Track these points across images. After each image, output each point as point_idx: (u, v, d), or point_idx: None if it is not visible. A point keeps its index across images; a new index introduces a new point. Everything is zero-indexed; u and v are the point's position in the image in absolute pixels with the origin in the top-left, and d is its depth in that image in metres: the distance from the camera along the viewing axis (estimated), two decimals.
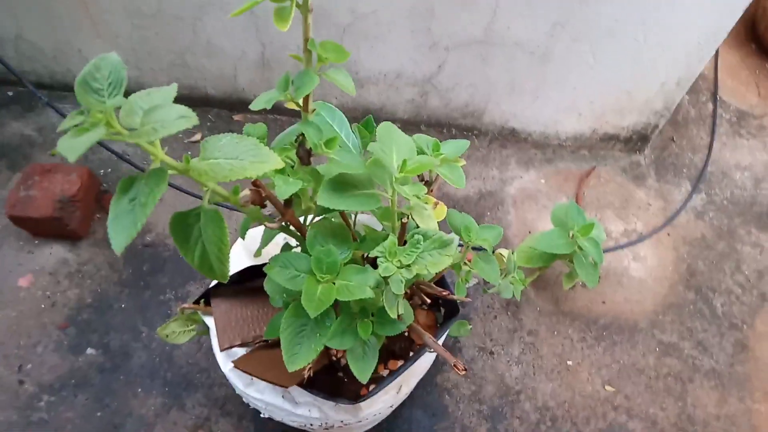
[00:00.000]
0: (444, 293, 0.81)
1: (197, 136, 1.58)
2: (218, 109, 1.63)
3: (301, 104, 0.70)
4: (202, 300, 1.01)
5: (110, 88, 0.58)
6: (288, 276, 0.74)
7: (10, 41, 1.50)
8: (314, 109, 0.73)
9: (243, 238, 0.82)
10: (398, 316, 0.74)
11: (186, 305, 1.02)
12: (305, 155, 0.74)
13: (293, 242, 0.85)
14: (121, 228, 0.56)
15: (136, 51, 1.47)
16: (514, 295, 1.12)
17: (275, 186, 0.69)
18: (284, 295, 0.82)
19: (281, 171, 0.73)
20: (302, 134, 0.72)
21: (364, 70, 1.46)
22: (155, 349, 1.24)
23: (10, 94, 1.64)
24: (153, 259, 1.36)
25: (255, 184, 0.69)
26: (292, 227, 0.81)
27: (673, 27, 1.29)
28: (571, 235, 1.18)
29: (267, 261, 1.05)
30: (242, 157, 0.59)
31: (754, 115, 1.79)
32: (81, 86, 0.57)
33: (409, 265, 0.73)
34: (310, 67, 0.68)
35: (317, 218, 0.86)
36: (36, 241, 1.36)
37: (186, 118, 0.55)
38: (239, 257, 1.03)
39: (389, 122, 0.78)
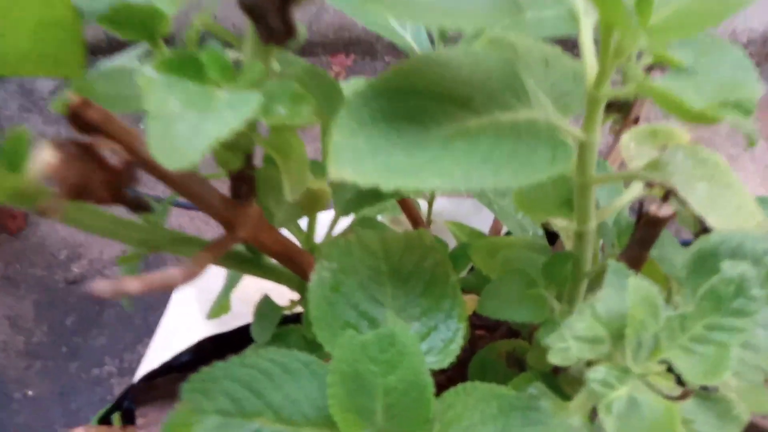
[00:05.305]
0: None
1: None
2: None
3: None
4: (117, 413, 0.51)
5: None
6: None
7: None
8: None
9: (126, 307, 0.30)
10: None
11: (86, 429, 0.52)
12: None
13: (285, 294, 0.32)
14: None
15: None
16: None
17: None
18: None
19: None
20: None
21: None
22: None
23: None
24: (83, 306, 0.86)
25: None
26: (265, 257, 0.29)
27: None
28: None
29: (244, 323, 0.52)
30: None
31: None
32: None
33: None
34: None
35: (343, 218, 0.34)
36: None
37: None
38: (189, 317, 0.53)
39: None
